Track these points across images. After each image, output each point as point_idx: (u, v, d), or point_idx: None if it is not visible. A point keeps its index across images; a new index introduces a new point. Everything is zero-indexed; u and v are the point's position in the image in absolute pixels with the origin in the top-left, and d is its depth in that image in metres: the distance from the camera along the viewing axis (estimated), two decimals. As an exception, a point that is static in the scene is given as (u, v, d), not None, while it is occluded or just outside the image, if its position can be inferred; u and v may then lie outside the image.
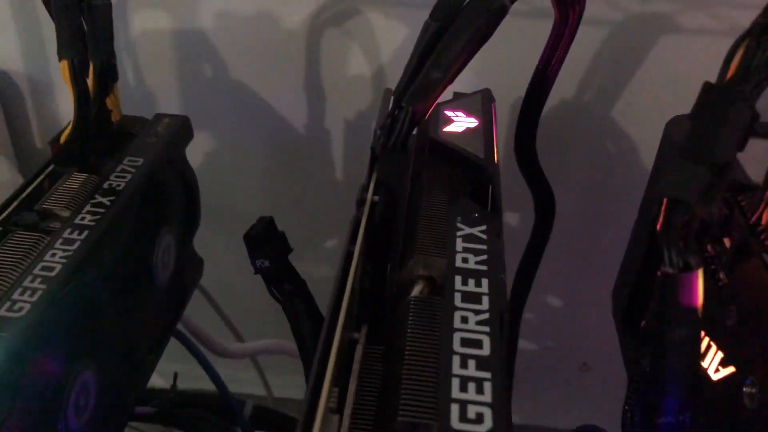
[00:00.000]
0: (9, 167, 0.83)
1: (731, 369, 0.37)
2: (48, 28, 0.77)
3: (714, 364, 0.38)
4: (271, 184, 0.86)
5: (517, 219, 0.84)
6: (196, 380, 0.69)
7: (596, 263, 0.80)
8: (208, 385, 0.66)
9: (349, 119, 0.80)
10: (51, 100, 0.83)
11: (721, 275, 0.39)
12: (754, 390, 0.34)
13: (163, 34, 0.76)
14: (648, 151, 0.52)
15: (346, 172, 0.83)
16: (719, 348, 0.38)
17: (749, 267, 0.37)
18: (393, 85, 0.45)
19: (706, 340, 0.39)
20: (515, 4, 0.40)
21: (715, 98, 0.31)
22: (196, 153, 0.77)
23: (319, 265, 0.82)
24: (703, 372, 0.39)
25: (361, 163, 0.44)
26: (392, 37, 0.74)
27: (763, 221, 0.38)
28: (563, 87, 0.75)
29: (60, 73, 0.45)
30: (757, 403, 0.34)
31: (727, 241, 0.40)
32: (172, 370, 0.71)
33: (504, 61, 0.66)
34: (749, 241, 0.38)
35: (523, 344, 0.96)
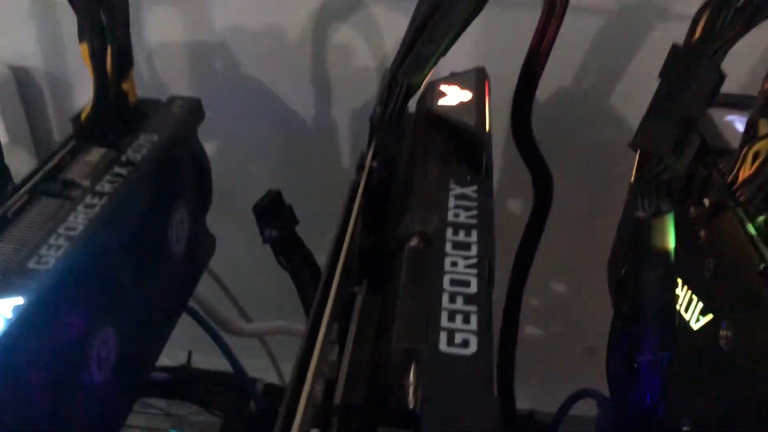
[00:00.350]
0: (29, 160, 0.87)
1: (709, 317, 0.39)
2: (66, 26, 0.81)
3: (695, 315, 0.41)
4: (279, 170, 0.89)
5: (519, 205, 0.87)
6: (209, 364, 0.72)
7: (599, 247, 0.81)
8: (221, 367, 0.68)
9: (354, 108, 0.83)
10: (69, 95, 0.86)
11: (701, 233, 0.42)
12: (728, 333, 0.37)
13: (175, 27, 0.79)
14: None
15: (352, 157, 0.86)
16: (699, 299, 0.40)
17: (725, 222, 0.40)
18: None
19: (688, 293, 0.41)
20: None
21: (681, 58, 0.33)
22: (207, 140, 0.81)
23: (325, 245, 0.85)
24: (686, 322, 0.41)
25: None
26: (396, 29, 0.76)
27: (739, 179, 0.40)
28: (562, 74, 0.77)
29: (80, 56, 0.48)
30: (730, 344, 0.36)
31: (706, 202, 0.42)
32: (186, 354, 0.74)
33: (500, 47, 0.69)
34: (725, 198, 0.40)
35: (528, 330, 0.99)
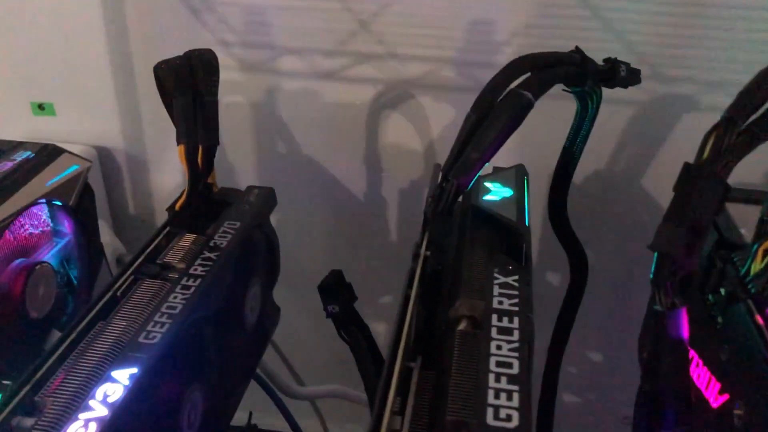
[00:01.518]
0: (107, 230, 0.95)
1: (726, 396, 0.44)
2: (145, 110, 0.90)
3: (713, 394, 0.46)
4: (334, 249, 0.96)
5: (557, 280, 0.92)
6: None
7: (633, 319, 0.86)
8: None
9: (403, 188, 0.90)
10: (145, 174, 0.95)
11: (719, 319, 0.47)
12: (741, 411, 0.42)
13: (245, 117, 0.87)
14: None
15: (400, 235, 0.92)
16: (717, 380, 0.45)
17: (739, 312, 0.45)
18: (441, 159, 0.53)
19: (707, 374, 0.47)
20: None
21: (692, 175, 0.39)
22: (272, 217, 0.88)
23: (376, 322, 0.91)
24: (705, 401, 0.46)
25: (413, 227, 0.53)
26: (441, 117, 0.84)
27: (751, 272, 0.46)
28: (596, 159, 0.83)
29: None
30: (743, 422, 0.41)
31: (722, 290, 0.48)
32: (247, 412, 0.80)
33: (537, 139, 0.75)
34: (739, 290, 0.46)
35: (566, 397, 1.02)
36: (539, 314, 0.53)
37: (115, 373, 0.41)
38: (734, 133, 0.39)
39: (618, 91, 0.79)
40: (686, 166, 0.40)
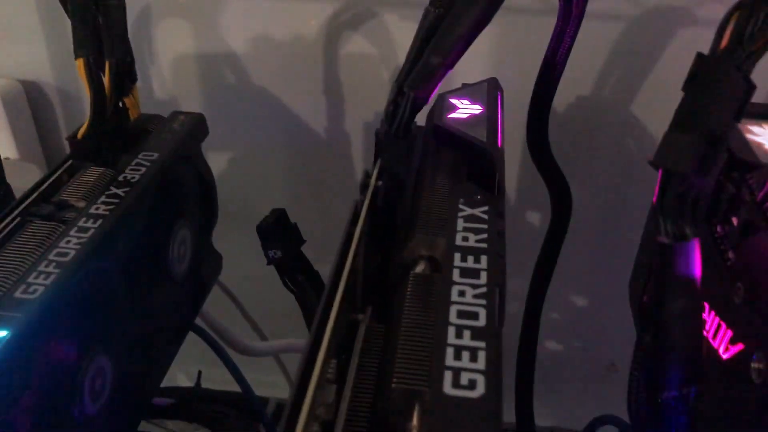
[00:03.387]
0: (39, 174, 0.86)
1: (740, 346, 0.37)
2: (75, 39, 0.81)
3: (724, 343, 0.38)
4: (290, 185, 0.87)
5: (537, 217, 0.84)
6: (221, 384, 0.70)
7: (621, 261, 0.79)
8: (233, 389, 0.67)
9: (367, 120, 0.81)
10: (80, 109, 0.85)
11: (729, 254, 0.39)
12: (760, 365, 0.34)
13: (185, 40, 0.78)
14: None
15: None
16: (728, 326, 0.38)
17: (756, 243, 0.37)
18: None
19: (716, 320, 0.39)
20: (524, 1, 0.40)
21: (707, 68, 0.31)
22: (216, 154, 0.80)
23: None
24: (714, 351, 0.38)
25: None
26: (408, 38, 0.75)
27: (770, 197, 0.38)
28: (581, 84, 0.75)
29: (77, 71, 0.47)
30: (763, 378, 0.33)
31: (734, 220, 0.40)
32: (197, 372, 0.72)
33: (514, 55, 0.67)
34: (756, 217, 0.37)
35: (549, 345, 0.96)
36: (516, 255, 0.45)
37: (-22, 338, 0.32)
38: (762, 14, 0.30)
39: (603, 5, 0.70)
40: (700, 57, 0.31)
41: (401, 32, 0.75)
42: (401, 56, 0.76)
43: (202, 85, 0.81)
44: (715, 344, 0.39)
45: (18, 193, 0.60)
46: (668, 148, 0.30)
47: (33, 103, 0.85)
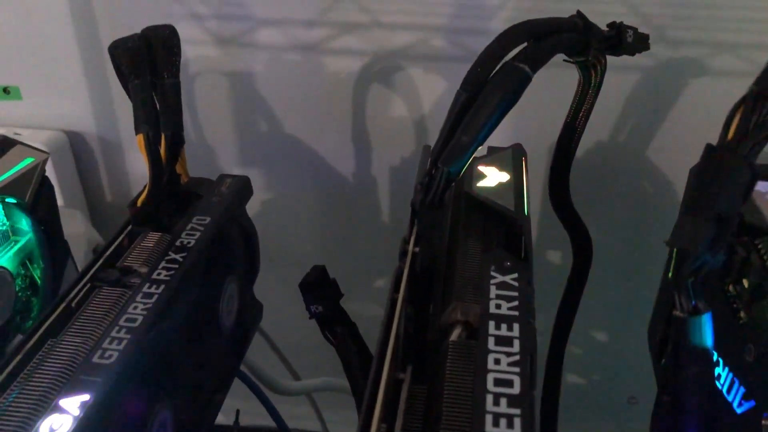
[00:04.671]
0: (83, 220, 0.90)
1: (752, 402, 0.40)
2: (117, 91, 0.85)
3: (738, 398, 0.41)
4: (321, 229, 0.91)
5: (559, 256, 0.87)
6: (255, 417, 0.74)
7: (640, 297, 0.82)
8: (267, 422, 0.70)
9: (393, 166, 0.85)
10: (120, 158, 0.90)
11: (741, 314, 0.42)
12: (771, 423, 0.37)
13: (221, 94, 0.82)
14: (684, 188, 0.55)
15: (392, 215, 0.88)
16: (741, 383, 0.41)
17: (765, 307, 0.40)
18: (433, 134, 0.47)
19: (729, 376, 0.42)
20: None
21: (716, 159, 0.34)
22: (252, 202, 0.83)
23: (368, 304, 0.86)
24: (728, 405, 0.41)
25: (404, 207, 0.48)
26: (431, 89, 0.79)
27: (778, 263, 0.41)
28: (598, 130, 0.78)
29: (136, 143, 0.51)
30: (774, 435, 0.36)
31: (746, 282, 0.43)
32: (235, 408, 0.76)
33: (536, 111, 0.70)
34: (765, 281, 0.41)
35: (571, 379, 0.99)
36: (541, 294, 0.47)
37: (64, 402, 0.36)
38: (765, 108, 0.34)
39: (620, 57, 0.73)
40: (709, 148, 0.35)
41: (425, 84, 0.79)
42: (425, 105, 0.80)
43: (236, 135, 0.85)
44: (729, 398, 0.42)
45: (68, 239, 0.64)
46: (682, 230, 0.34)
47: (76, 153, 0.89)
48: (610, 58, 0.54)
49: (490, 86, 0.42)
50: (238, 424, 0.72)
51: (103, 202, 0.93)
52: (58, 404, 0.36)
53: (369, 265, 0.91)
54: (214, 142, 0.85)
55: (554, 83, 0.67)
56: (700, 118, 0.75)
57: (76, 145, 0.89)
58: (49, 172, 0.85)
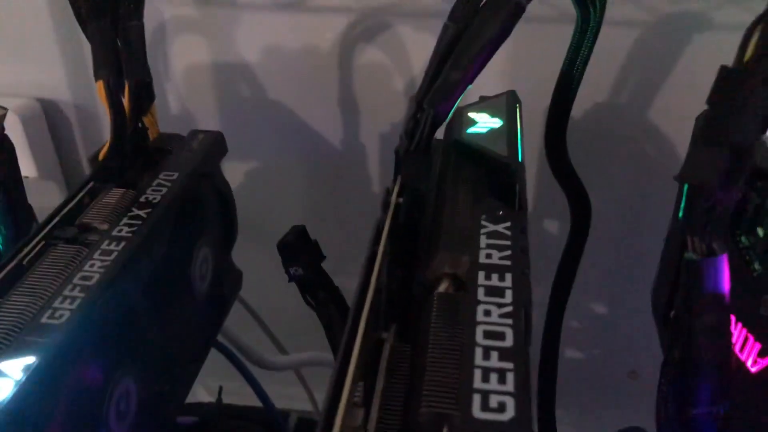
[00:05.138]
0: (58, 191, 0.87)
1: (769, 360, 0.36)
2: (90, 55, 0.81)
3: (752, 356, 0.38)
4: (308, 199, 0.87)
5: (555, 226, 0.84)
6: (241, 397, 0.71)
7: (640, 267, 0.78)
8: (254, 402, 0.67)
9: (383, 132, 0.81)
10: (97, 127, 0.86)
11: (756, 265, 0.39)
12: (791, 380, 0.34)
13: (200, 57, 0.78)
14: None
15: (382, 184, 0.84)
16: (756, 339, 0.37)
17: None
18: None
19: (743, 332, 0.38)
20: (539, 8, 0.40)
21: (732, 81, 0.30)
22: (234, 170, 0.80)
23: (355, 275, 0.82)
24: (742, 364, 0.38)
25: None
26: (422, 49, 0.75)
27: (797, 208, 0.37)
28: (597, 90, 0.74)
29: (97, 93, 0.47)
30: (794, 393, 0.33)
31: (760, 231, 0.39)
32: (218, 387, 0.72)
33: (532, 67, 0.67)
34: (783, 229, 0.37)
35: (569, 353, 0.95)
36: (537, 264, 0.44)
37: (5, 364, 0.32)
38: (787, 26, 0.30)
39: (617, 12, 0.70)
40: (724, 70, 0.31)
41: (415, 43, 0.75)
42: (416, 67, 0.76)
43: (217, 99, 0.81)
44: (743, 357, 0.38)
45: (39, 213, 0.61)
46: (694, 162, 0.30)
47: (51, 122, 0.85)
48: (606, 14, 0.51)
49: (480, 17, 0.39)
50: (221, 400, 0.68)
51: (79, 173, 0.89)
52: (-1, 367, 0.32)
53: (358, 236, 0.88)
54: (192, 107, 0.82)
55: (547, 34, 0.64)
56: (703, 76, 0.71)
57: (50, 113, 0.85)
58: (22, 141, 0.82)
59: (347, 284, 0.60)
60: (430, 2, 0.72)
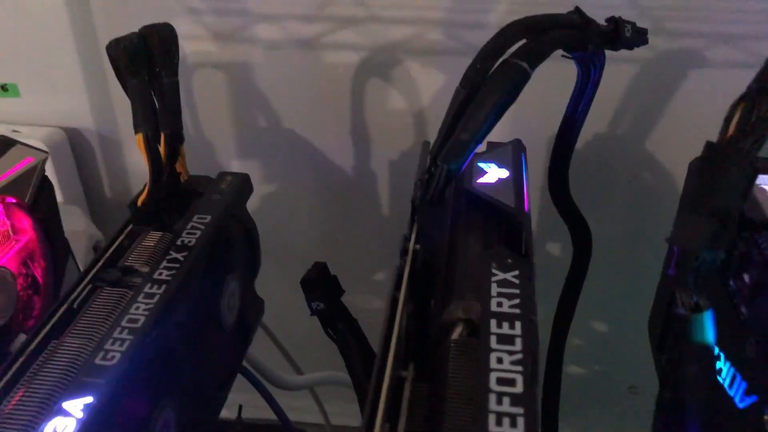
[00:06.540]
0: (82, 216, 0.90)
1: (754, 398, 0.40)
2: (115, 87, 0.84)
3: (740, 393, 0.41)
4: (322, 224, 0.91)
5: (559, 249, 0.87)
6: (258, 410, 0.74)
7: (639, 288, 0.82)
8: (271, 416, 0.70)
9: (393, 160, 0.84)
10: (119, 154, 0.89)
11: (743, 309, 0.42)
12: (772, 418, 0.37)
13: (219, 90, 0.82)
14: (682, 179, 0.55)
15: (392, 209, 0.88)
16: (743, 378, 0.41)
17: (767, 302, 0.40)
18: (432, 127, 0.47)
19: (731, 371, 0.42)
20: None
21: (716, 156, 0.34)
22: (252, 199, 0.83)
23: (368, 297, 0.86)
24: (730, 399, 0.41)
25: (404, 201, 0.48)
26: (429, 83, 0.79)
27: (779, 258, 0.41)
28: (596, 122, 0.78)
29: (135, 139, 0.51)
30: (775, 431, 0.37)
31: (746, 277, 0.43)
32: (238, 402, 0.76)
33: (535, 106, 0.70)
34: (765, 277, 0.41)
35: (571, 369, 0.99)
36: (539, 282, 0.48)
37: (67, 404, 0.36)
38: (765, 105, 0.34)
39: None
40: (709, 146, 0.34)
41: (423, 78, 0.79)
42: (423, 99, 0.80)
43: (235, 132, 0.85)
44: (731, 393, 0.42)
45: (68, 236, 0.64)
46: (683, 228, 0.34)
47: (75, 149, 0.89)
48: (607, 52, 0.54)
49: (488, 84, 0.42)
50: (241, 419, 0.72)
51: (102, 199, 0.93)
52: (61, 407, 0.36)
53: (369, 258, 0.92)
54: (212, 138, 0.85)
55: (553, 77, 0.67)
56: (698, 110, 0.75)
57: (74, 141, 0.89)
58: (48, 169, 0.84)
59: (358, 303, 0.63)
60: (436, 40, 0.75)
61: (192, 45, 0.79)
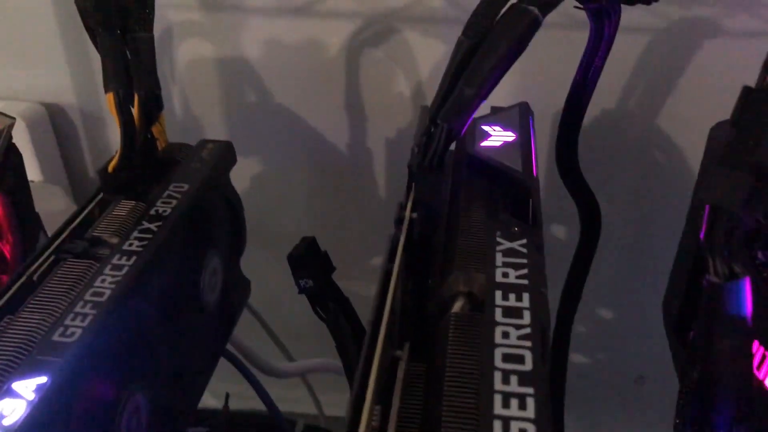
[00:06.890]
0: (64, 196, 0.86)
1: (787, 380, 0.36)
2: (98, 62, 0.80)
3: (770, 375, 0.37)
4: (315, 204, 0.87)
5: (564, 231, 0.83)
6: (247, 401, 0.70)
7: (648, 272, 0.78)
8: (260, 406, 0.67)
9: (390, 137, 0.80)
10: (103, 131, 0.85)
11: (774, 283, 0.38)
12: (810, 401, 0.33)
13: (207, 62, 0.78)
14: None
15: (389, 189, 0.84)
16: (775, 359, 0.37)
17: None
18: (431, 101, 0.44)
19: (760, 350, 0.38)
20: (551, 16, 0.40)
21: (755, 103, 0.30)
22: (241, 176, 0.79)
23: (363, 282, 0.82)
24: (759, 383, 0.37)
25: (402, 180, 0.44)
26: (430, 54, 0.75)
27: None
28: (606, 96, 0.74)
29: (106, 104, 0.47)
30: (815, 416, 0.33)
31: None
32: (224, 391, 0.72)
33: (542, 74, 0.66)
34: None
35: (576, 358, 0.95)
36: (546, 268, 0.44)
37: (17, 385, 0.32)
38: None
39: (627, 18, 0.69)
40: (747, 91, 0.30)
41: (422, 48, 0.74)
42: (423, 72, 0.76)
43: (223, 104, 0.81)
44: (760, 376, 0.38)
45: (44, 217, 0.60)
46: (717, 184, 0.30)
47: (56, 126, 0.85)
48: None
49: (495, 31, 0.38)
50: (228, 407, 0.68)
51: (85, 178, 0.89)
52: (11, 387, 0.32)
53: (365, 241, 0.87)
54: (199, 113, 0.81)
55: (562, 44, 0.63)
56: (712, 82, 0.71)
57: (55, 118, 0.85)
58: (27, 145, 0.81)
59: (352, 287, 0.60)
60: (437, 7, 0.71)
61: (178, 14, 0.75)
